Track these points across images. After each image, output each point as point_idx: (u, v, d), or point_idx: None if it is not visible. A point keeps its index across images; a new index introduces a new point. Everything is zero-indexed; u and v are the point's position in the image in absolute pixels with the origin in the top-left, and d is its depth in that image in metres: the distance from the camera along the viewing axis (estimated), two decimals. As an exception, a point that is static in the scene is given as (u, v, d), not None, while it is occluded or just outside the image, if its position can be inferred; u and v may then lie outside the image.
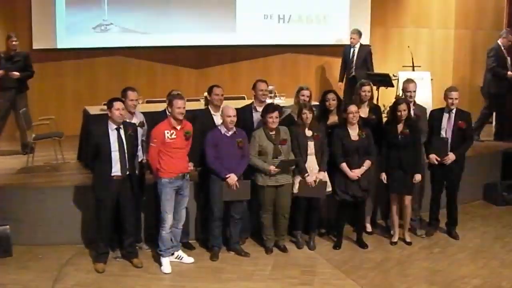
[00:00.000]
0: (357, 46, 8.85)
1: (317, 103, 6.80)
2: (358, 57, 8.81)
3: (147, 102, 7.80)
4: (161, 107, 6.37)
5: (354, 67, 8.78)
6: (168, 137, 5.57)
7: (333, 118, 6.47)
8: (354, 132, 6.21)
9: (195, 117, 5.99)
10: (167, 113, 5.87)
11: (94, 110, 7.27)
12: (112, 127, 5.50)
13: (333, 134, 6.22)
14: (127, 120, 5.70)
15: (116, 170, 5.46)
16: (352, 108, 6.21)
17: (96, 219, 5.69)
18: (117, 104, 5.47)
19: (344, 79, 8.73)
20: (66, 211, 6.29)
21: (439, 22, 10.78)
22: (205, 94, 6.58)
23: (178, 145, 5.61)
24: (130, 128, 5.57)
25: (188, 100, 6.00)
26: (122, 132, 5.51)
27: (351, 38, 8.87)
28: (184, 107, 5.59)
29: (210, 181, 5.90)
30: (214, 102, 6.17)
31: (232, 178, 5.79)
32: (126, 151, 5.47)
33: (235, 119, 5.86)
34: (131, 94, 5.97)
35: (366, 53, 8.92)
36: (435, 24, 10.78)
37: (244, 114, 6.32)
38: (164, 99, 6.33)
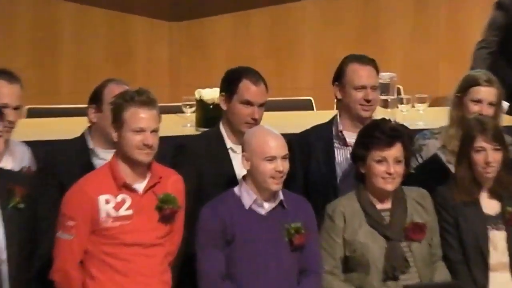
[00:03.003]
0: None
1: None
2: None
3: (30, 112, 6.56)
4: (76, 128, 5.15)
5: None
6: (108, 215, 4.49)
7: None
8: None
9: (182, 153, 4.99)
10: (87, 141, 4.85)
11: None
12: None
13: None
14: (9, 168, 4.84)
15: None
16: None
17: None
18: None
19: None
20: None
21: None
22: (199, 94, 5.84)
23: (139, 238, 4.54)
24: (20, 189, 4.49)
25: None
26: None
27: None
28: (155, 129, 4.49)
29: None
30: (238, 118, 4.92)
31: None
32: (6, 247, 4.47)
33: (285, 166, 4.45)
34: (4, 90, 4.89)
35: None
36: None
37: (310, 150, 5.12)
38: (82, 106, 5.18)
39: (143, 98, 4.34)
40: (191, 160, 4.80)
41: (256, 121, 4.88)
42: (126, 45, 8.42)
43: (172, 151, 4.87)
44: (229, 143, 4.89)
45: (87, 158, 4.74)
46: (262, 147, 4.45)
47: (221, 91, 4.95)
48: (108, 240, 4.40)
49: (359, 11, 8.72)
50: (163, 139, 4.49)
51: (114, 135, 4.35)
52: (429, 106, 6.41)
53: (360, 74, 5.02)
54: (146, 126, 4.31)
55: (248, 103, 4.83)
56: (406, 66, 8.15)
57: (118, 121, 4.33)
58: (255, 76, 4.91)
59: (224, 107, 4.89)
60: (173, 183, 4.51)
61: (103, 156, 4.57)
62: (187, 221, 4.58)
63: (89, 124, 4.78)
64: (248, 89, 4.86)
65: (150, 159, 4.32)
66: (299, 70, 8.27)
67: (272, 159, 4.42)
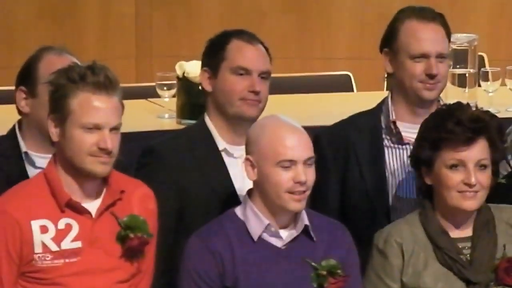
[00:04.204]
0: None
1: None
2: None
3: None
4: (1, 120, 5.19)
5: None
6: (45, 249, 4.06)
7: None
8: None
9: (153, 159, 4.63)
10: (19, 141, 4.57)
11: None
12: None
13: None
14: None
15: None
16: None
17: None
18: None
19: None
20: None
21: None
22: (181, 68, 5.60)
23: (92, 283, 4.15)
24: None
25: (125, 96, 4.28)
26: None
27: None
28: (116, 126, 4.15)
29: None
30: (230, 95, 4.65)
31: None
32: None
33: (309, 175, 4.09)
34: None
35: None
36: None
37: (349, 150, 4.78)
38: (7, 87, 5.41)
39: (100, 79, 3.76)
40: (168, 170, 4.29)
41: (258, 97, 4.29)
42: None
43: (139, 156, 4.32)
44: (221, 143, 4.34)
45: (21, 166, 4.21)
46: (274, 147, 3.91)
47: (203, 66, 4.38)
48: (45, 286, 3.82)
49: None
50: (127, 138, 3.91)
51: (53, 132, 3.77)
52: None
53: (421, 35, 4.41)
54: (103, 121, 3.78)
55: (243, 70, 4.29)
56: (493, 26, 7.93)
57: (59, 111, 3.77)
58: (249, 36, 4.40)
59: (208, 87, 4.33)
60: (141, 200, 3.98)
61: (41, 163, 4.07)
62: (165, 258, 4.04)
63: (19, 116, 4.23)
64: (240, 49, 4.34)
65: (108, 170, 3.81)
66: (332, 33, 8.02)
67: (290, 164, 3.89)
